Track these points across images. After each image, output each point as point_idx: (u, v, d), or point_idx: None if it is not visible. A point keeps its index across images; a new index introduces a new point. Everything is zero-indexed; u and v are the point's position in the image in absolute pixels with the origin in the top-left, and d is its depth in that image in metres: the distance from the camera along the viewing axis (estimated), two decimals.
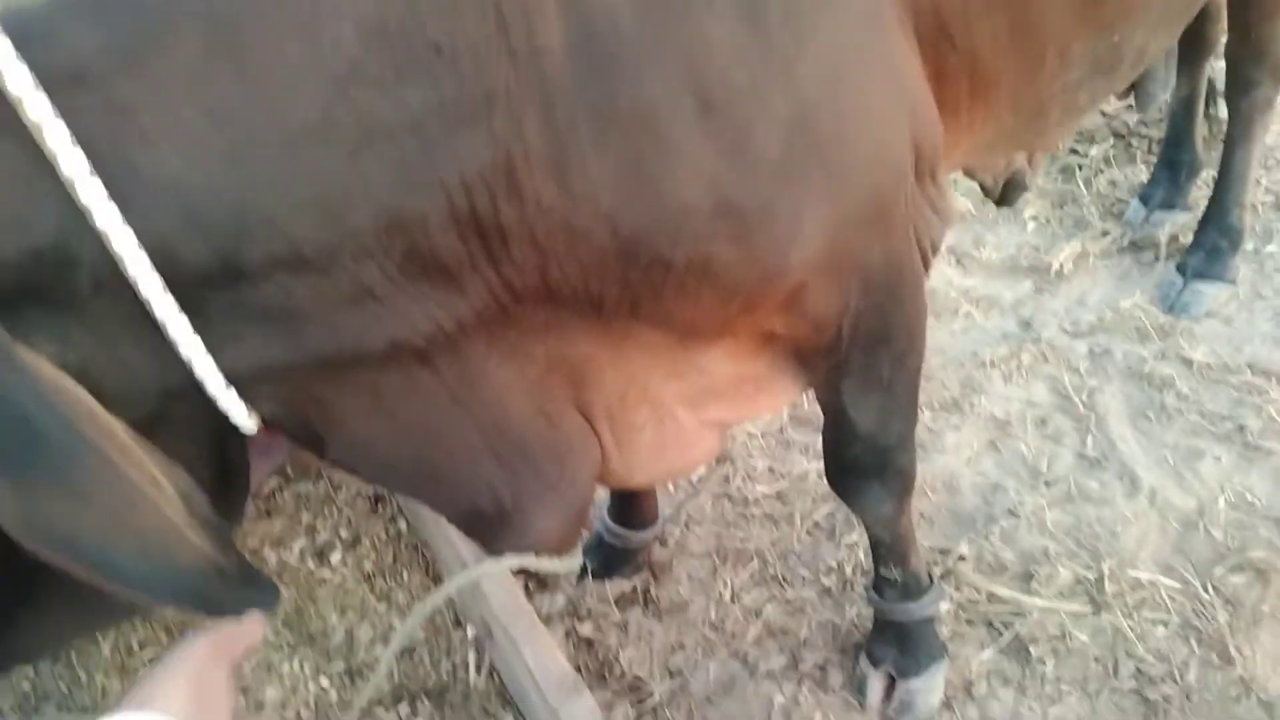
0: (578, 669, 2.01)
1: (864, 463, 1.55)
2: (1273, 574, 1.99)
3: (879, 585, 1.85)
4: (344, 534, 2.11)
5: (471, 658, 1.99)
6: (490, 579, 1.87)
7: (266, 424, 1.05)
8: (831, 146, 1.12)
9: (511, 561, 1.39)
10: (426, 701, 1.92)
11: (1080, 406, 2.44)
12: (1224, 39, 2.57)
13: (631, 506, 2.13)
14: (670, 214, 1.05)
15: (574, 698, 1.71)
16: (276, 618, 2.01)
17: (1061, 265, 2.87)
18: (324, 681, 1.96)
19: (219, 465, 1.05)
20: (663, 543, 2.23)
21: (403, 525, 2.10)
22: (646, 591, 2.17)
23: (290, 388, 1.03)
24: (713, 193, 1.05)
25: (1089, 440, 2.35)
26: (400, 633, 1.58)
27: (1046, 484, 2.27)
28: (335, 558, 2.05)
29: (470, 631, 2.00)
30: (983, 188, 2.35)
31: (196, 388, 0.96)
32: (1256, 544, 2.06)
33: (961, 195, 3.09)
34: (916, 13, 1.25)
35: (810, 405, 2.56)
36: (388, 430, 1.12)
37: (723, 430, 1.49)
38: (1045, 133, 1.72)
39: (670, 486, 2.37)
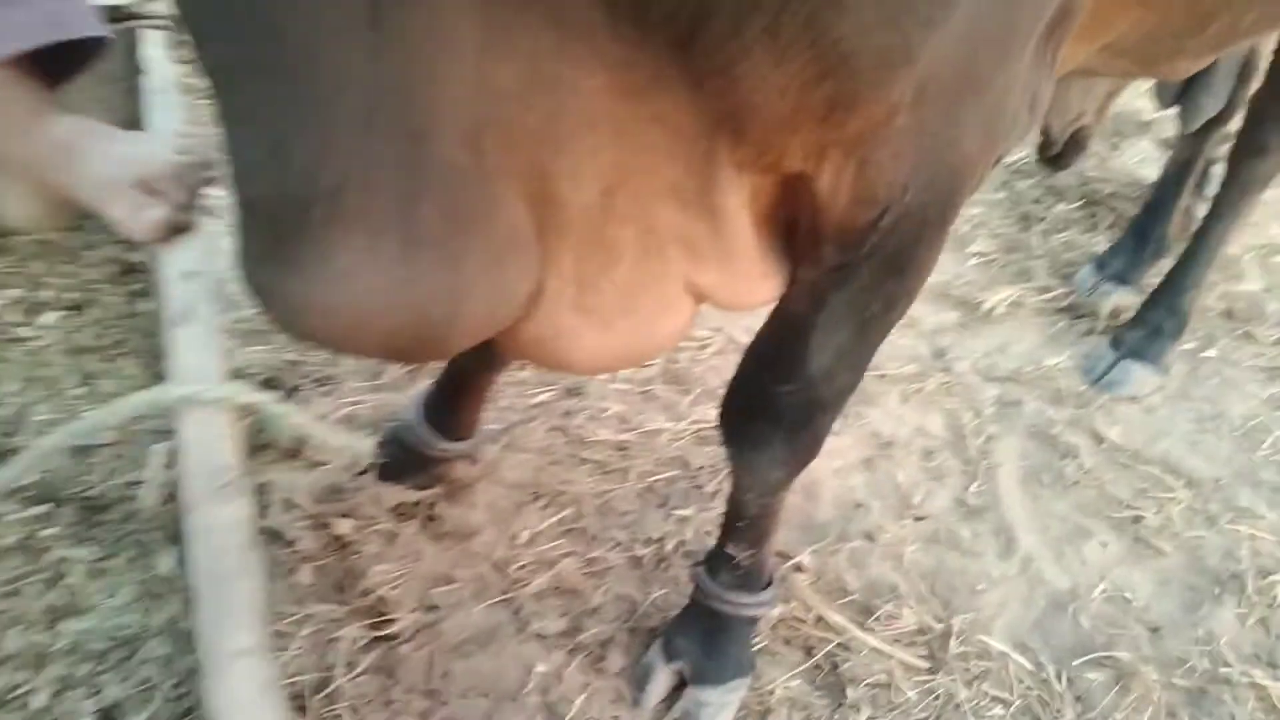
0: (315, 570, 1.64)
1: (782, 409, 1.25)
2: (1133, 681, 1.72)
3: (713, 564, 1.53)
4: (71, 296, 1.64)
5: (159, 482, 1.57)
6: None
7: None
8: None
9: (256, 397, 1.13)
10: (69, 509, 1.51)
11: (973, 450, 2.16)
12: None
13: (453, 407, 1.76)
14: None
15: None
16: None
17: (993, 307, 2.60)
18: None
19: None
20: (472, 460, 1.86)
21: (143, 306, 1.63)
22: (433, 507, 1.79)
23: None
24: None
25: (972, 486, 2.07)
26: (71, 430, 1.17)
27: (915, 518, 1.97)
28: (47, 319, 1.59)
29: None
30: (1046, 138, 2.12)
31: None
32: (1124, 644, 1.79)
33: None
34: None
35: (689, 365, 2.23)
36: None
37: (697, 310, 1.11)
38: (1197, 51, 1.46)
39: (501, 404, 2.01)
